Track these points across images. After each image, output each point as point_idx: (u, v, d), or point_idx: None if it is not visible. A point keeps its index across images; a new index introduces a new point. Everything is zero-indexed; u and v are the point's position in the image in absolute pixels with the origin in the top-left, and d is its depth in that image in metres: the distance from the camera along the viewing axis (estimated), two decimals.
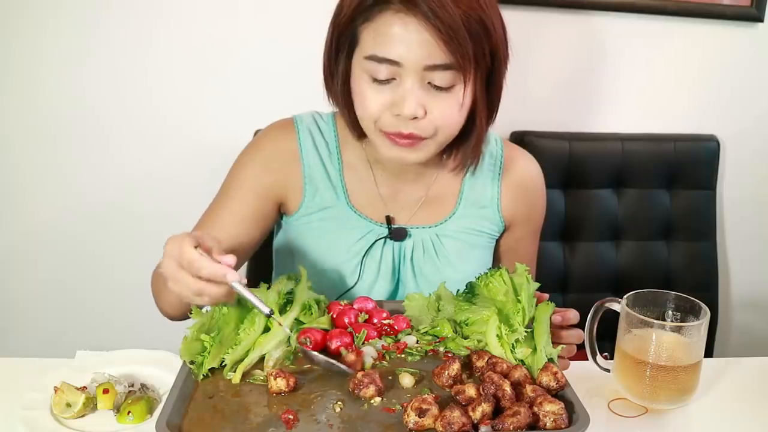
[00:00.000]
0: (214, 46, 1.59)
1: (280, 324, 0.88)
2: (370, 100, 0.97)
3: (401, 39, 0.92)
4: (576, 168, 1.69)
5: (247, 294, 0.84)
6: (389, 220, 1.14)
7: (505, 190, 1.18)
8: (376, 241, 1.13)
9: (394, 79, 0.96)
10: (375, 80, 0.96)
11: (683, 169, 1.75)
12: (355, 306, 0.99)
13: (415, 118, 0.96)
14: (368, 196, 1.14)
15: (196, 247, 0.82)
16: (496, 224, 1.19)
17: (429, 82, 0.95)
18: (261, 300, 0.86)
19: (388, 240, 1.13)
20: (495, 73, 1.01)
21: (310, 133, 1.14)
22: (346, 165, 1.15)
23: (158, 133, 1.64)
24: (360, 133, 1.08)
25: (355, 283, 1.12)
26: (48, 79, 1.58)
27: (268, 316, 0.86)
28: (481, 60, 0.96)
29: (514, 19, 1.63)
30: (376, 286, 1.14)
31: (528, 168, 1.22)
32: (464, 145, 1.07)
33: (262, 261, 1.32)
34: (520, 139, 1.68)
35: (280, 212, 1.18)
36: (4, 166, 1.64)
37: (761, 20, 1.72)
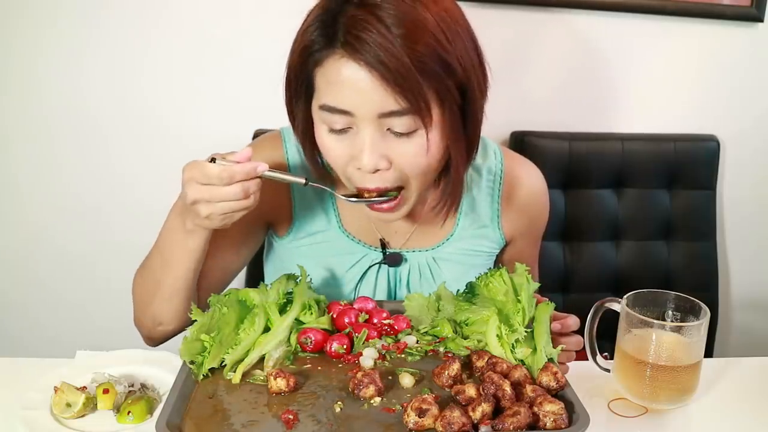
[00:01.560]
0: (214, 46, 1.59)
1: (319, 186, 0.93)
2: (333, 152, 0.91)
3: (350, 87, 0.84)
4: (576, 168, 1.69)
5: (280, 175, 0.91)
6: (384, 244, 1.10)
7: (506, 208, 1.13)
8: (370, 266, 1.09)
9: (351, 128, 0.88)
10: (332, 130, 0.90)
11: (683, 169, 1.75)
12: (356, 306, 0.99)
13: (378, 170, 0.89)
14: (361, 219, 1.09)
15: (211, 161, 0.85)
16: (496, 242, 1.15)
17: (388, 129, 0.87)
18: (292, 174, 0.92)
19: (383, 265, 1.10)
20: (469, 106, 0.91)
21: (299, 152, 1.06)
22: (336, 187, 1.06)
23: (158, 134, 1.64)
24: (328, 176, 1.02)
25: None
26: (47, 79, 1.58)
27: (306, 184, 0.91)
28: (446, 97, 0.87)
29: (514, 19, 1.65)
30: None
31: (530, 183, 1.15)
32: (443, 184, 0.99)
33: (261, 265, 1.31)
34: (520, 139, 1.68)
35: (270, 231, 1.14)
36: (4, 167, 1.64)
37: (761, 20, 1.72)
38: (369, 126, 0.87)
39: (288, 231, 1.10)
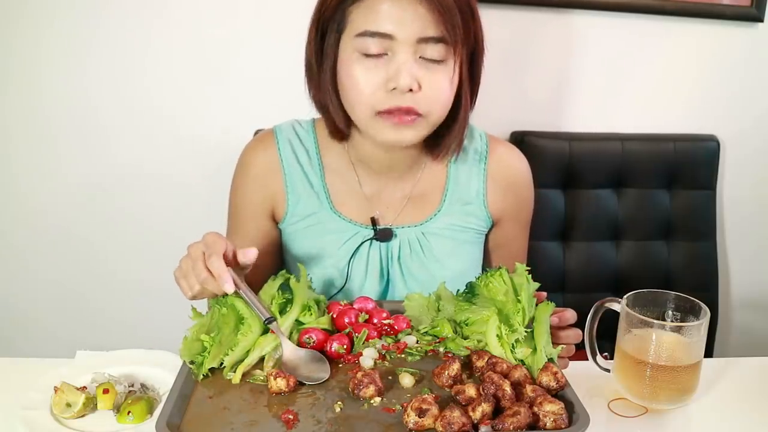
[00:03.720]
0: (216, 46, 1.59)
1: (275, 332, 0.89)
2: (362, 79, 0.98)
3: (393, 14, 0.95)
4: (576, 168, 1.69)
5: (249, 298, 0.90)
6: (374, 221, 1.14)
7: (491, 186, 1.18)
8: (362, 243, 1.13)
9: (385, 54, 0.97)
10: (366, 56, 0.97)
11: (683, 169, 1.75)
12: (356, 306, 0.99)
13: (411, 90, 0.97)
14: (352, 198, 1.15)
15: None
16: (483, 220, 1.18)
17: (421, 56, 0.97)
18: (261, 306, 0.90)
19: (374, 241, 1.14)
20: (476, 55, 1.05)
21: (290, 142, 1.16)
22: (327, 169, 1.16)
23: (159, 133, 1.64)
24: (344, 130, 1.09)
25: (344, 286, 1.13)
26: (49, 79, 1.58)
27: (266, 322, 0.89)
28: (467, 38, 1.00)
29: (514, 19, 1.65)
30: (365, 287, 1.14)
31: (514, 163, 1.21)
32: (448, 129, 1.08)
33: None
34: (520, 139, 1.68)
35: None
36: (4, 166, 1.64)
37: (761, 20, 1.72)
38: (407, 49, 0.96)
39: (284, 215, 1.15)
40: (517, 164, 1.21)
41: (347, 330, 0.94)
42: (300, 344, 0.91)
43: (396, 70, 0.96)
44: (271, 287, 0.97)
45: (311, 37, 1.04)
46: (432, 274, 1.13)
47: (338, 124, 1.08)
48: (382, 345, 0.92)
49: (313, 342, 0.90)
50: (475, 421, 0.75)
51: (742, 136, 1.82)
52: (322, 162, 1.16)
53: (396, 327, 0.96)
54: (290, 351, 0.87)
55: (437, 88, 0.99)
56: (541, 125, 1.72)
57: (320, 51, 1.04)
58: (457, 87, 1.03)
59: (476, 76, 1.07)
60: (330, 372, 0.86)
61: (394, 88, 0.97)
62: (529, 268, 0.95)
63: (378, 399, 0.80)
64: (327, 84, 1.04)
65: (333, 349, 0.90)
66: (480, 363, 0.86)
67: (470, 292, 0.98)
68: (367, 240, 1.13)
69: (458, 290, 1.00)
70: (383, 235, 1.14)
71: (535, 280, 0.94)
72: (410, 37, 0.95)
